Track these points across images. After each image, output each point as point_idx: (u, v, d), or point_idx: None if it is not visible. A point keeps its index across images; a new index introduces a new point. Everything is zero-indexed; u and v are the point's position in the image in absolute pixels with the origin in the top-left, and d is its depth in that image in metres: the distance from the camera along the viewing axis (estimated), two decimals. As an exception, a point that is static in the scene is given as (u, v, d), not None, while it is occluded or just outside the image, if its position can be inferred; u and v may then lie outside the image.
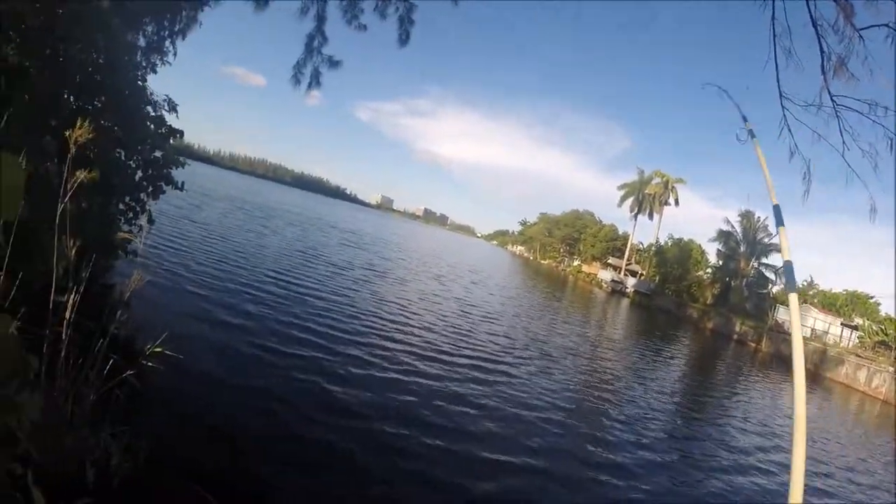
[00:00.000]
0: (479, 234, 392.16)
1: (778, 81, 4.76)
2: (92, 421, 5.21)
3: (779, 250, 63.58)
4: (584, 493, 8.91)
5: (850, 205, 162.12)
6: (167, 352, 6.71)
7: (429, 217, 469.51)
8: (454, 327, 19.21)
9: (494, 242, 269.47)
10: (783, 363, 44.50)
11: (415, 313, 19.89)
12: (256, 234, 30.92)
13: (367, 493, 7.02)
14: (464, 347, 16.37)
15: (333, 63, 10.50)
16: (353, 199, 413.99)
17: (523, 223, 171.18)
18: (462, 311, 23.30)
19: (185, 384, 8.09)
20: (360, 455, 7.79)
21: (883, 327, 51.38)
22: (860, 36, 4.53)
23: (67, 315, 4.77)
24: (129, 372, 5.67)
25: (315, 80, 10.44)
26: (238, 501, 5.98)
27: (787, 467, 13.05)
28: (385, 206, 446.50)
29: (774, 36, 4.73)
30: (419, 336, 16.39)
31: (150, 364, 6.54)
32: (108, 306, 6.35)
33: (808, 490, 12.09)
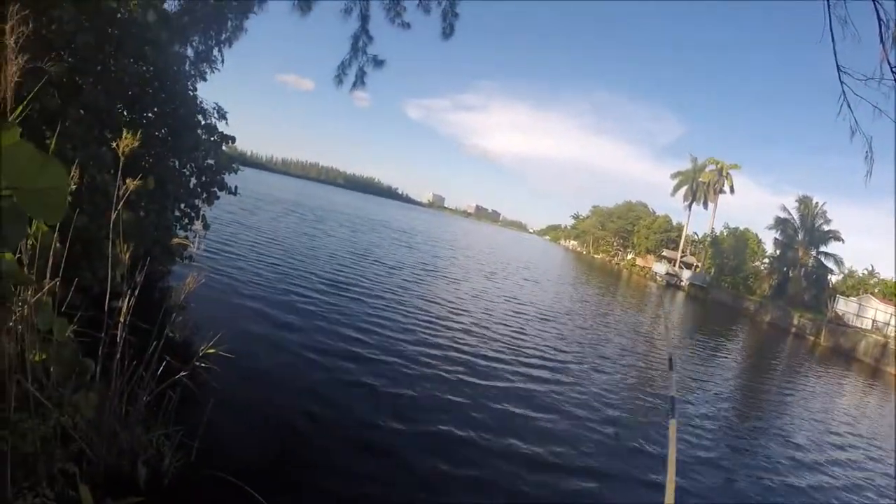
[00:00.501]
0: (531, 230, 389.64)
1: (835, 54, 4.49)
2: (145, 421, 5.47)
3: (838, 238, 62.80)
4: (635, 492, 8.81)
5: None
6: (221, 353, 6.92)
7: (480, 214, 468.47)
8: (506, 326, 19.05)
9: (547, 238, 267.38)
10: (842, 355, 44.03)
11: (466, 311, 19.82)
12: (309, 236, 31.23)
13: (416, 496, 7.02)
14: (518, 347, 16.16)
15: (378, 62, 10.73)
16: (405, 199, 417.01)
17: (576, 217, 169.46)
18: (515, 310, 22.94)
19: (237, 385, 8.27)
20: (412, 458, 7.79)
21: None
22: None
23: (123, 318, 4.99)
24: (182, 373, 5.90)
25: (360, 80, 10.68)
26: (287, 502, 6.07)
27: (846, 467, 13.27)
28: (437, 205, 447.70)
29: (829, 5, 4.47)
30: (471, 335, 16.29)
31: (203, 365, 6.77)
32: (163, 310, 6.60)
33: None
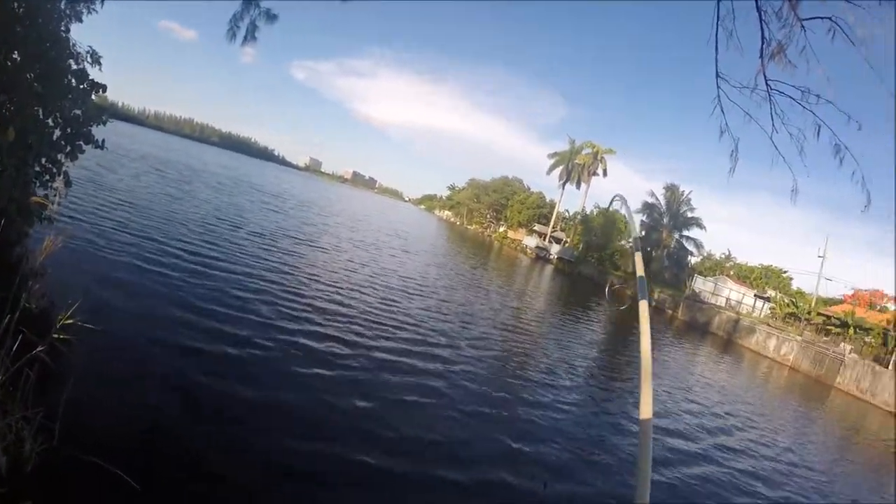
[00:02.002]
0: (406, 199, 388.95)
1: (716, 61, 4.92)
2: (1, 404, 4.90)
3: (700, 225, 67.00)
4: (506, 461, 8.97)
5: (773, 185, 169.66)
6: (81, 324, 6.32)
7: (357, 180, 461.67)
8: (378, 299, 18.51)
9: (422, 207, 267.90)
10: (697, 330, 48.23)
11: (332, 284, 18.98)
12: (171, 197, 28.66)
13: (275, 470, 6.80)
14: (391, 319, 15.99)
15: (271, 16, 10.09)
16: (280, 161, 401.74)
17: (452, 188, 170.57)
18: (386, 284, 22.20)
19: (100, 359, 7.63)
20: (280, 435, 7.55)
21: (794, 300, 55.41)
22: (802, 26, 4.68)
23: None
24: (39, 348, 5.34)
25: (251, 34, 10.01)
26: (157, 482, 5.67)
27: (699, 416, 15.17)
28: (313, 169, 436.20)
29: (718, 17, 4.84)
30: (340, 307, 15.82)
31: (63, 338, 6.17)
32: (19, 277, 5.95)
33: (724, 448, 13.86)
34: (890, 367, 38.08)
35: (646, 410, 2.48)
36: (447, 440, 9.02)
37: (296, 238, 27.31)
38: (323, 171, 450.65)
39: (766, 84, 4.91)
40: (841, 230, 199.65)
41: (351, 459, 7.42)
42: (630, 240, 75.24)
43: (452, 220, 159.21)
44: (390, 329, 14.86)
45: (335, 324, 13.78)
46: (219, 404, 7.90)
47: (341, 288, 18.40)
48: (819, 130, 4.86)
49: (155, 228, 18.95)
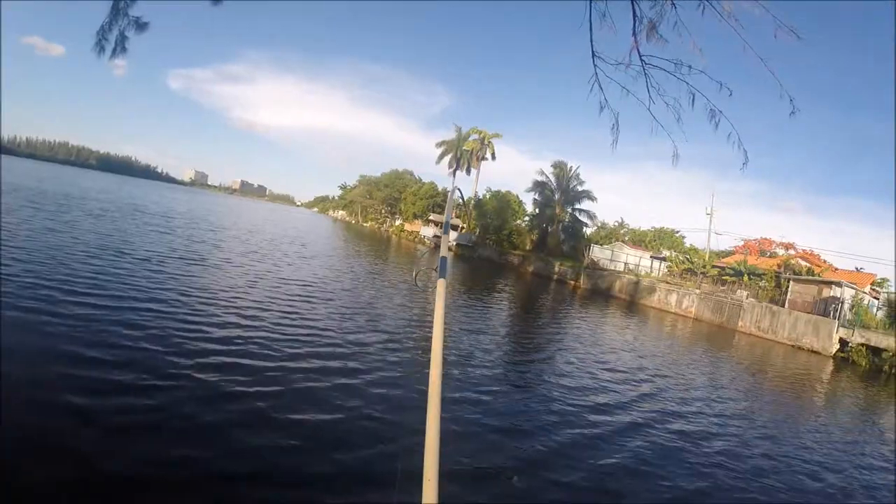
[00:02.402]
0: (299, 203, 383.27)
1: (591, 42, 5.16)
2: None
3: (591, 197, 68.86)
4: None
5: (656, 152, 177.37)
6: None
7: (246, 190, 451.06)
8: (281, 313, 16.46)
9: (315, 209, 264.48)
10: (600, 295, 49.76)
11: (233, 303, 16.68)
12: (50, 231, 23.83)
13: None
14: (297, 332, 14.32)
15: (141, 25, 8.79)
16: (165, 178, 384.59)
17: (343, 187, 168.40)
18: (287, 294, 19.88)
19: None
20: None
21: (688, 257, 57.24)
22: (673, 4, 4.99)
23: None
24: None
25: (121, 46, 8.70)
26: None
27: (612, 383, 14.83)
28: (199, 183, 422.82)
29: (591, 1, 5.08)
30: (239, 329, 13.72)
31: None
32: None
33: (638, 395, 14.60)
34: (786, 305, 41.04)
35: (434, 396, 2.28)
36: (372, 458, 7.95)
37: (187, 258, 24.19)
38: (210, 183, 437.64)
39: (641, 59, 5.18)
40: (725, 187, 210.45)
41: None
42: (525, 218, 76.70)
43: (347, 219, 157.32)
44: (297, 343, 13.31)
45: (235, 346, 11.97)
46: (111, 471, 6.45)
47: (240, 307, 16.21)
48: (694, 98, 5.21)
49: (29, 269, 15.93)
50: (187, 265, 22.21)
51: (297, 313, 16.71)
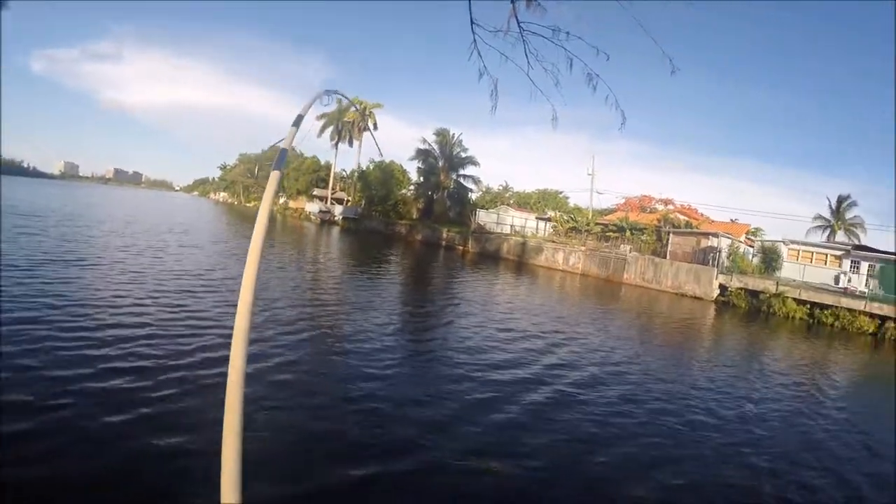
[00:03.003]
0: (177, 188, 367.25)
1: (470, 9, 5.06)
2: None
3: (474, 163, 68.93)
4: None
5: (536, 116, 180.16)
6: None
7: (121, 178, 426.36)
8: (167, 309, 14.38)
9: (196, 193, 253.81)
10: (489, 258, 49.91)
11: (114, 304, 14.25)
12: None
13: None
14: (185, 328, 12.64)
15: None
16: (32, 173, 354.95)
17: (223, 167, 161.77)
18: (171, 288, 17.29)
19: None
20: None
21: (572, 216, 58.70)
22: None
23: None
24: None
25: None
26: None
27: (510, 343, 14.67)
28: (70, 175, 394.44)
29: None
30: (124, 330, 11.58)
31: None
32: None
33: (537, 351, 14.74)
34: (667, 257, 43.04)
35: (235, 382, 2.08)
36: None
37: (60, 261, 21.12)
38: (81, 174, 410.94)
39: (519, 26, 5.13)
40: (607, 147, 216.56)
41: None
42: (411, 187, 75.86)
43: (230, 200, 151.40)
44: (186, 339, 11.68)
45: (120, 352, 10.14)
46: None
47: (120, 307, 14.03)
48: (572, 63, 5.16)
49: None
50: (64, 268, 19.03)
51: (182, 307, 14.82)
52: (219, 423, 2.17)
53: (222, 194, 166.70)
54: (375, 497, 6.64)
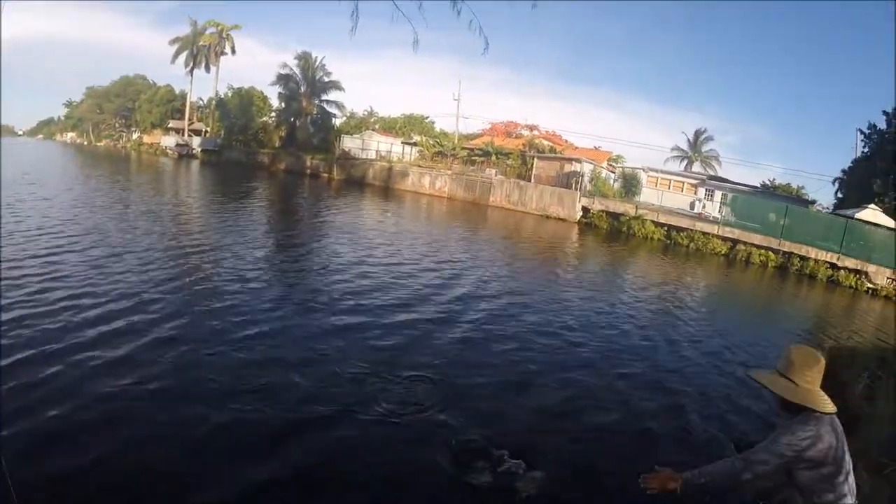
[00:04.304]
0: (20, 132, 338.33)
1: None
2: None
3: (338, 87, 67.70)
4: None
5: (400, 40, 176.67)
6: None
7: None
8: (34, 274, 11.64)
9: (41, 136, 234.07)
10: (355, 184, 49.35)
11: None
12: None
13: None
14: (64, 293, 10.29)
15: None
16: None
17: (69, 104, 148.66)
18: (27, 251, 14.62)
19: None
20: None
21: (438, 140, 58.16)
22: None
23: None
24: None
25: None
26: None
27: (378, 268, 15.16)
28: None
29: None
30: None
31: None
32: None
33: (409, 280, 14.28)
34: (532, 181, 43.98)
35: None
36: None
37: None
38: None
39: None
40: (472, 73, 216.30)
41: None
42: (272, 114, 72.65)
43: (79, 140, 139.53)
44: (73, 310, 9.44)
45: None
46: None
47: None
48: None
49: None
50: None
51: (51, 275, 12.12)
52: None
53: (70, 135, 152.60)
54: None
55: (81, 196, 26.39)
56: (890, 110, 40.46)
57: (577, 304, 14.10)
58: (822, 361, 3.00)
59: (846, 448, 2.98)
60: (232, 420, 6.15)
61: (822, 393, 2.96)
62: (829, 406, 2.89)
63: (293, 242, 20.01)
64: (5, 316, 8.35)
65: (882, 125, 41.29)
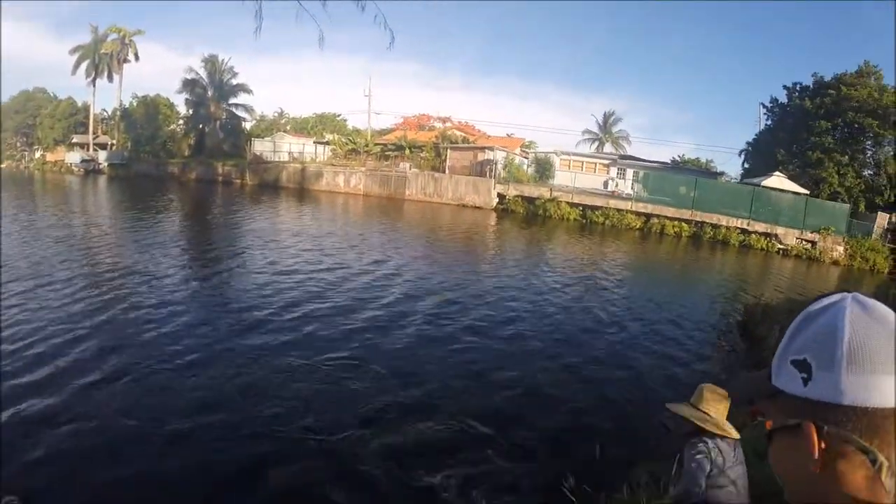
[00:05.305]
0: None
1: None
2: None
3: (246, 90, 66.58)
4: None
5: (308, 39, 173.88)
6: None
7: None
8: None
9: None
10: (269, 188, 49.15)
11: None
12: None
13: None
14: None
15: None
16: None
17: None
18: None
19: None
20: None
21: (351, 138, 57.74)
22: None
23: None
24: None
25: None
26: None
27: (296, 273, 15.45)
28: None
29: None
30: None
31: None
32: None
33: (325, 281, 14.61)
34: (446, 171, 44.28)
35: None
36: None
37: None
38: None
39: None
40: (382, 68, 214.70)
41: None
42: (180, 122, 70.62)
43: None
44: None
45: None
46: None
47: None
48: None
49: None
50: None
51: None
52: None
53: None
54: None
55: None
56: (790, 84, 42.88)
57: (506, 294, 14.52)
58: (729, 400, 3.39)
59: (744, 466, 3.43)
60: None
61: (728, 423, 3.46)
62: (734, 433, 3.40)
63: (206, 250, 19.85)
64: None
65: (783, 99, 43.66)
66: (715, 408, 3.45)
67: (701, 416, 3.43)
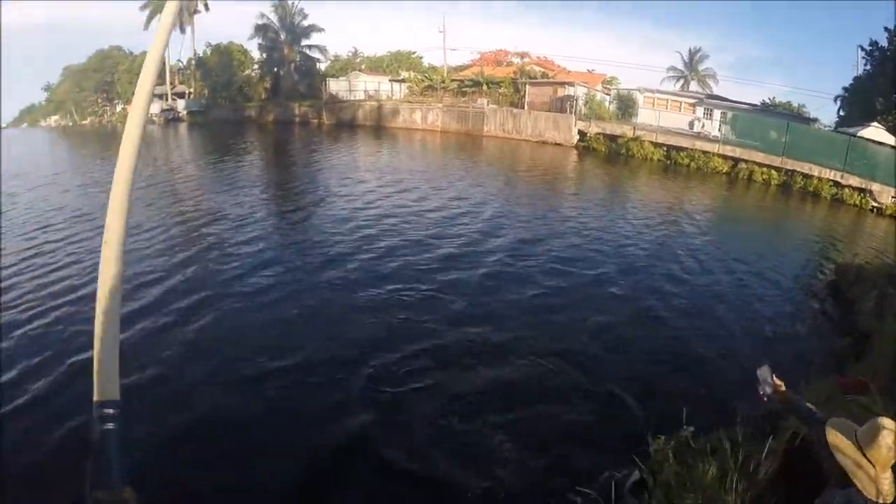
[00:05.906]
0: (4, 124, 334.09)
1: None
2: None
3: (318, 30, 66.20)
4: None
5: None
6: None
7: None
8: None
9: (25, 125, 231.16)
10: (346, 126, 49.45)
11: None
12: None
13: None
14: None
15: None
16: None
17: (47, 88, 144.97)
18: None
19: None
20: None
21: (427, 75, 56.76)
22: None
23: None
24: None
25: None
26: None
27: (386, 205, 16.36)
28: None
29: None
30: None
31: None
32: None
33: (422, 213, 15.42)
34: (525, 108, 43.26)
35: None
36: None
37: None
38: None
39: None
40: (455, 5, 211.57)
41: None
42: (255, 67, 71.07)
43: (63, 123, 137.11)
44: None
45: None
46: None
47: None
48: None
49: None
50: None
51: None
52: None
53: (54, 118, 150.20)
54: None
55: (69, 184, 24.62)
56: (892, 27, 39.29)
57: (588, 235, 14.64)
58: None
59: None
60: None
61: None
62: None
63: (292, 190, 20.38)
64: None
65: (884, 42, 40.20)
66: (885, 458, 2.40)
67: (865, 466, 2.40)
